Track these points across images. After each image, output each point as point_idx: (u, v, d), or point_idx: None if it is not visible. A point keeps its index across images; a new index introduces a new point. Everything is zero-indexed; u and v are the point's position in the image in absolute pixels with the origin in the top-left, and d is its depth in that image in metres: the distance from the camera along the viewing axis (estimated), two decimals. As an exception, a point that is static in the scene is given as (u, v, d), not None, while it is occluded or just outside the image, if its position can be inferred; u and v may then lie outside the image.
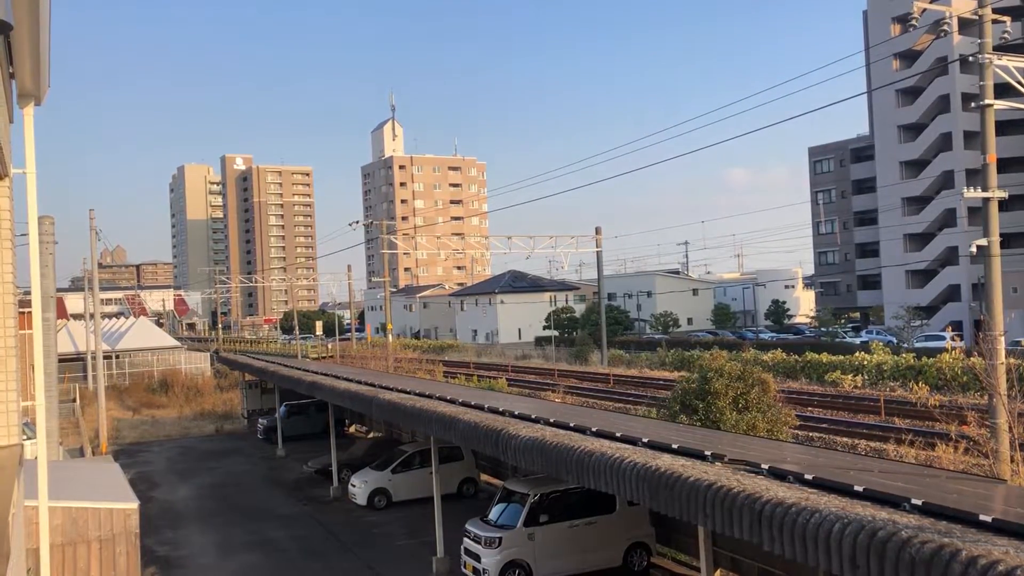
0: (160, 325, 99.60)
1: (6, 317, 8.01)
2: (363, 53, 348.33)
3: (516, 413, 15.14)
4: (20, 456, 8.07)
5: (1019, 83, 19.19)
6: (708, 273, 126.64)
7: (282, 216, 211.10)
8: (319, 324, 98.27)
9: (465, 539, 16.57)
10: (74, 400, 44.73)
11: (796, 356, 49.08)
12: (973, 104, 20.08)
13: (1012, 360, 19.15)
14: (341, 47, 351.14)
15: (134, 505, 14.56)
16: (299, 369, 32.98)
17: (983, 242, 19.07)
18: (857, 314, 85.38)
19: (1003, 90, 18.75)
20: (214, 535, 21.52)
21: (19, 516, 7.80)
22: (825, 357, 47.05)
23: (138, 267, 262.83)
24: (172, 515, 23.89)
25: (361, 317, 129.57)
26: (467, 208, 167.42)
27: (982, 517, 6.92)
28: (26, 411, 15.79)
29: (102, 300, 54.46)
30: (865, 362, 43.93)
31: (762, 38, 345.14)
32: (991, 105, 18.93)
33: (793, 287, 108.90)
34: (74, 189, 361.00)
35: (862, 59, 79.13)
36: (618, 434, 12.20)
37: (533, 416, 14.65)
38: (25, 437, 11.66)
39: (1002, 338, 18.45)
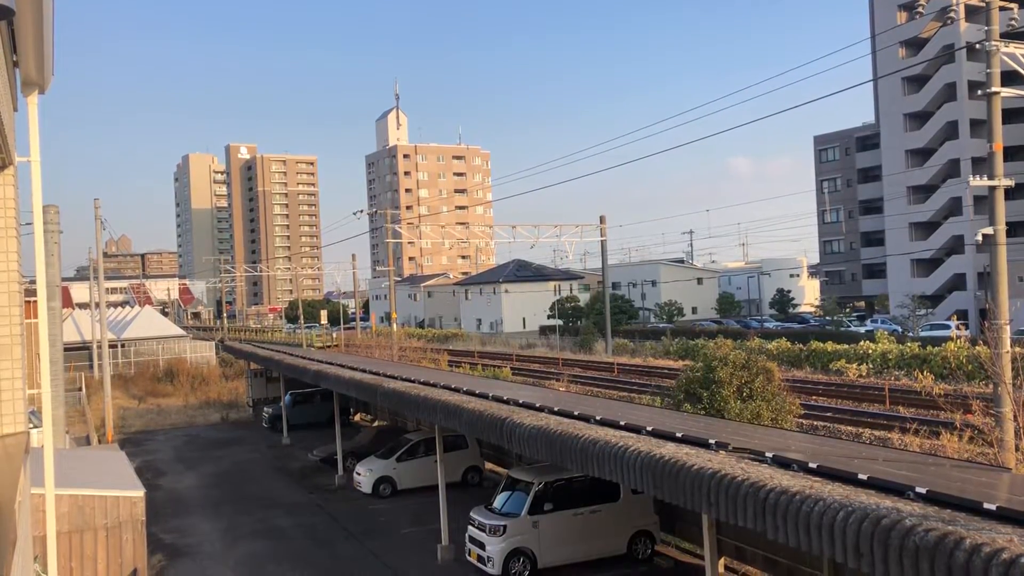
0: (165, 314, 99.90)
1: (12, 306, 8.03)
2: (367, 42, 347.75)
3: (520, 402, 15.16)
4: (27, 444, 8.10)
5: (1026, 70, 19.06)
6: (713, 262, 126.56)
7: (287, 205, 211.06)
8: (324, 313, 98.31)
9: (470, 527, 16.62)
10: (80, 389, 44.96)
11: (801, 345, 49.03)
12: (980, 92, 19.97)
13: (1017, 349, 19.06)
14: (345, 36, 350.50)
15: (140, 493, 14.64)
16: (304, 358, 33.05)
17: (989, 230, 19.00)
18: (862, 303, 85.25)
19: (1010, 78, 18.64)
20: (220, 523, 21.61)
21: (26, 504, 7.84)
22: (830, 346, 46.99)
23: (143, 256, 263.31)
24: (178, 503, 23.99)
25: (366, 306, 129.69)
26: (471, 197, 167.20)
27: (986, 505, 6.91)
28: (32, 399, 15.85)
29: (107, 289, 54.61)
30: (870, 351, 43.87)
31: (766, 26, 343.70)
32: (998, 93, 18.83)
33: (798, 276, 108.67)
34: (79, 179, 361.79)
35: (868, 47, 78.77)
36: (622, 422, 12.21)
37: (537, 405, 14.67)
38: (31, 425, 11.70)
39: (1007, 326, 18.40)
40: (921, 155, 74.54)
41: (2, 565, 4.52)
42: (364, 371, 24.07)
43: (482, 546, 16.02)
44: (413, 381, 20.11)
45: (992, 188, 19.09)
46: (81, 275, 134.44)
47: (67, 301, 74.68)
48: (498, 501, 16.75)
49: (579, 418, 13.06)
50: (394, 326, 55.74)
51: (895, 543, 6.29)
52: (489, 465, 25.13)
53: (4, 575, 4.44)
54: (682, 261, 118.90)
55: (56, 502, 9.78)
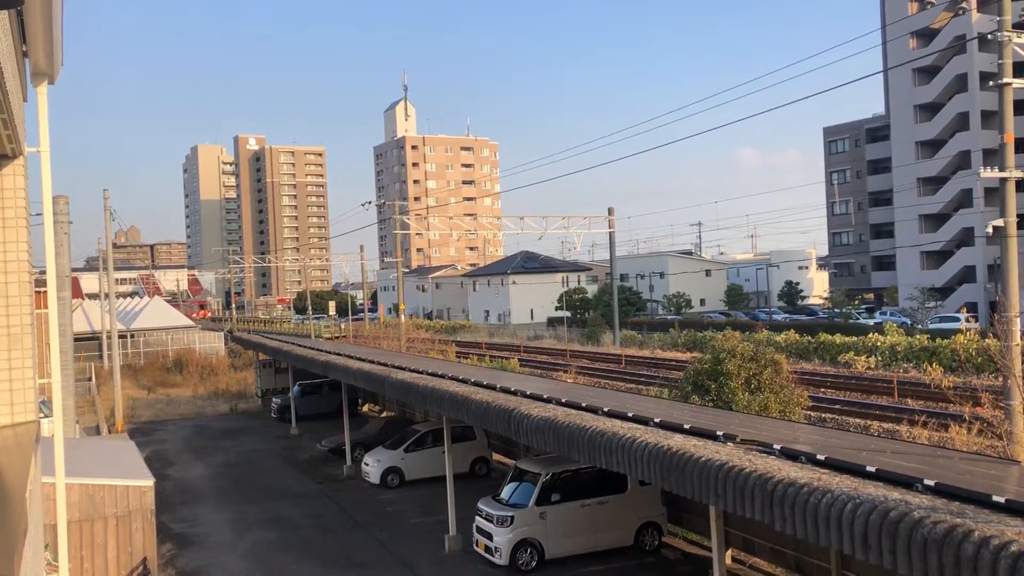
0: (176, 305, 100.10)
1: (22, 295, 8.07)
2: (376, 33, 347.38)
3: (528, 393, 15.17)
4: (37, 433, 8.15)
5: (1038, 61, 18.93)
6: (721, 254, 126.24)
7: (295, 197, 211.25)
8: (332, 304, 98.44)
9: (477, 518, 16.67)
10: (90, 379, 45.17)
11: (809, 337, 48.88)
12: (991, 83, 19.84)
13: (1027, 341, 18.98)
14: (354, 27, 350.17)
15: (150, 483, 14.72)
16: (313, 349, 33.12)
17: (1000, 222, 18.89)
18: (871, 295, 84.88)
19: (1022, 69, 18.50)
20: (229, 513, 21.72)
21: (36, 492, 7.88)
22: (838, 338, 46.84)
23: (152, 247, 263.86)
24: (187, 493, 24.12)
25: (374, 297, 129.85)
26: (479, 188, 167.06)
27: (995, 498, 6.89)
28: (42, 389, 15.94)
29: (116, 280, 54.76)
30: (879, 343, 43.71)
31: (775, 17, 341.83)
32: (1010, 84, 18.70)
33: (807, 268, 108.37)
34: (88, 169, 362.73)
35: (878, 37, 78.31)
36: (630, 414, 12.21)
37: (545, 396, 14.68)
38: (42, 415, 11.77)
39: (1018, 319, 18.31)
40: (931, 146, 74.14)
41: (13, 553, 4.55)
42: (372, 362, 24.11)
43: (490, 537, 16.07)
44: (421, 372, 20.14)
45: (1003, 180, 18.98)
46: (91, 265, 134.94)
47: (77, 291, 75.00)
48: (505, 492, 16.78)
49: (587, 409, 13.06)
50: (402, 317, 55.80)
51: (903, 535, 6.28)
52: (497, 456, 25.18)
53: (15, 563, 4.47)
54: (690, 253, 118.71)
55: (67, 491, 9.84)
